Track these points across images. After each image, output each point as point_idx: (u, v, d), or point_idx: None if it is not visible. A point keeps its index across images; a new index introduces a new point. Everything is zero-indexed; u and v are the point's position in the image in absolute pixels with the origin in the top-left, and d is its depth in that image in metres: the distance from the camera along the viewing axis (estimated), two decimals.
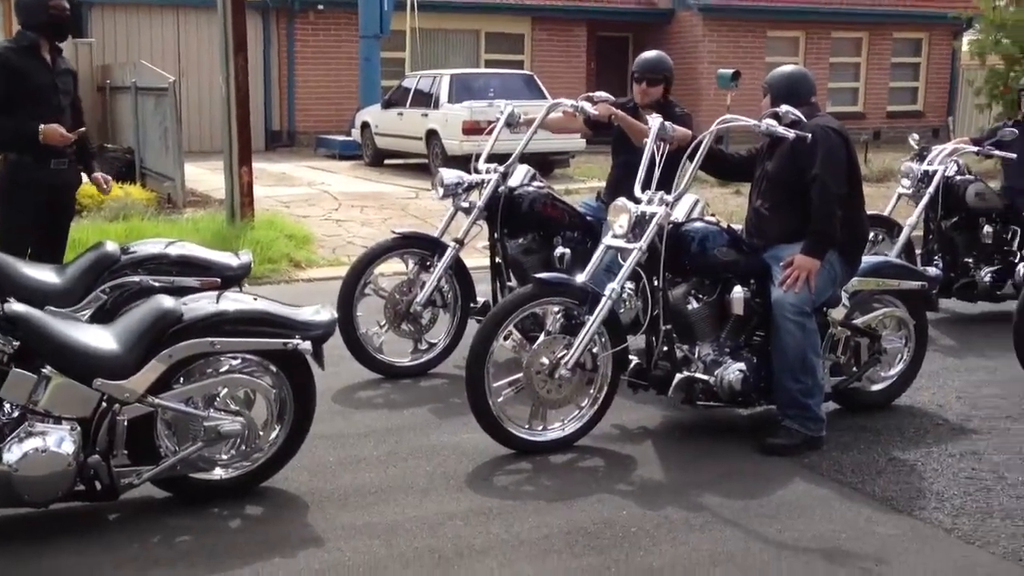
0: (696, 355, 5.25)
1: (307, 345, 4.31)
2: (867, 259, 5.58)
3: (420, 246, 6.36)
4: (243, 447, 4.37)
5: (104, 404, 4.03)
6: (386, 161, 18.64)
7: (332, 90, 22.01)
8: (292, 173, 16.82)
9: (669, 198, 5.11)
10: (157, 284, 4.99)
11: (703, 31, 24.24)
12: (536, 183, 6.40)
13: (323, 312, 4.50)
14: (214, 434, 4.25)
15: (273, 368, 4.38)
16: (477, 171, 6.38)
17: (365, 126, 18.92)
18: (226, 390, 4.32)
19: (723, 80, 16.84)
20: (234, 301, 4.39)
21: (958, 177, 7.84)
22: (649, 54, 6.44)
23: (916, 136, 8.64)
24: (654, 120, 5.41)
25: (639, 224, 5.07)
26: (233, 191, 10.29)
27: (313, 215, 12.28)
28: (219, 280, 5.10)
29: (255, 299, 4.48)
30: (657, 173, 5.21)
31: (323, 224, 11.73)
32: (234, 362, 4.34)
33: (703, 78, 23.22)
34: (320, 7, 21.84)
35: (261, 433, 4.40)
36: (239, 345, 4.26)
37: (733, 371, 5.17)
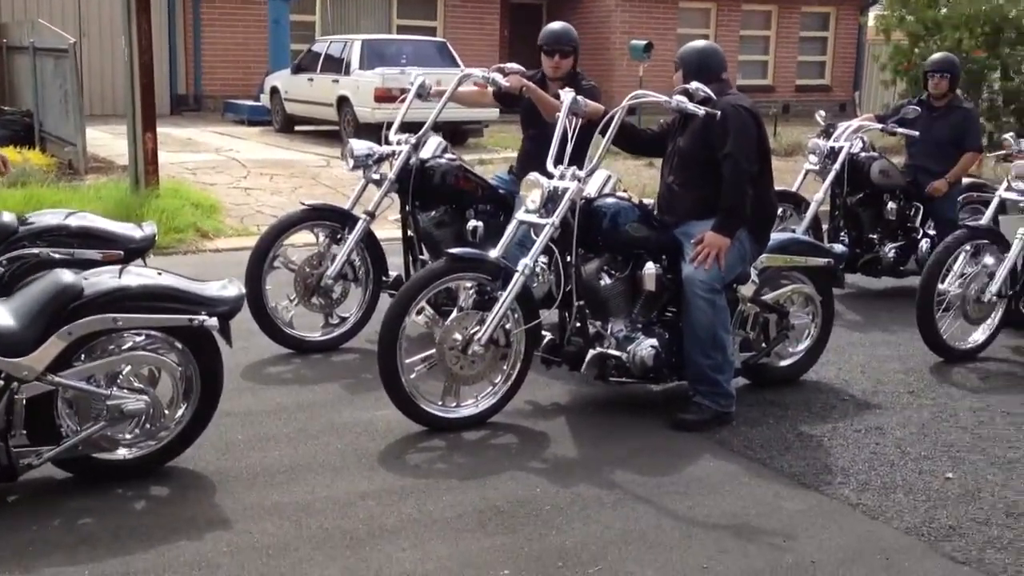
0: (609, 331, 5.26)
1: (213, 321, 4.21)
2: (775, 236, 5.64)
3: (330, 218, 6.25)
4: (148, 426, 4.27)
5: (1, 382, 3.89)
6: (296, 128, 18.34)
7: (240, 53, 21.58)
8: (199, 139, 16.46)
9: (581, 173, 5.10)
10: (57, 257, 4.84)
11: (616, 2, 24.28)
12: (448, 155, 6.33)
13: (230, 287, 4.39)
14: (117, 413, 4.13)
15: (179, 345, 4.27)
16: (388, 142, 6.29)
17: (274, 91, 18.58)
18: (129, 368, 4.20)
19: (636, 51, 16.86)
20: (137, 276, 4.26)
21: (863, 154, 7.96)
22: (555, 26, 6.38)
23: (823, 113, 8.75)
24: (566, 94, 5.38)
25: (551, 199, 5.05)
26: (137, 158, 10.02)
27: (221, 183, 12.03)
28: (122, 253, 4.96)
29: (159, 273, 4.35)
30: (569, 148, 5.19)
31: (231, 192, 11.50)
32: (138, 339, 4.22)
33: (616, 48, 23.30)
34: None
35: (166, 412, 4.30)
36: (143, 322, 4.14)
37: (645, 347, 5.19)
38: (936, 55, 8.22)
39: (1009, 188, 6.70)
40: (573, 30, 6.37)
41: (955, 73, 7.96)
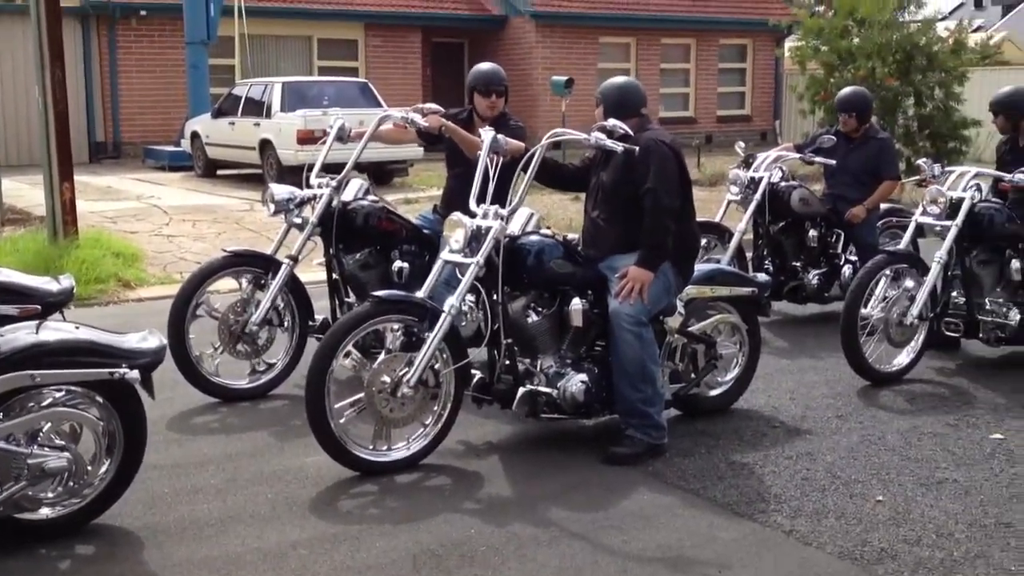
0: (538, 368, 5.26)
1: (135, 374, 4.13)
2: (700, 267, 5.70)
3: (253, 264, 6.18)
4: (71, 483, 4.16)
5: None
6: (219, 172, 18.20)
7: (159, 99, 21.36)
8: (118, 186, 16.23)
9: (504, 212, 5.11)
10: None
11: (536, 37, 24.51)
12: (370, 197, 6.31)
13: (151, 338, 4.31)
14: (38, 472, 4.02)
15: (100, 399, 4.18)
16: (309, 185, 6.24)
17: (195, 136, 18.42)
18: (50, 424, 4.10)
19: (557, 87, 17.01)
20: (55, 330, 4.17)
21: (783, 183, 8.08)
22: (486, 66, 6.42)
23: (742, 144, 8.87)
24: (487, 133, 5.39)
25: (475, 238, 5.05)
26: (54, 208, 9.82)
27: (142, 230, 11.86)
28: (39, 307, 4.82)
29: (77, 327, 4.26)
30: (492, 186, 5.20)
31: (153, 240, 11.34)
32: (58, 394, 4.12)
33: (538, 84, 23.48)
34: (143, 13, 21.18)
35: (90, 468, 4.20)
36: (62, 377, 4.05)
37: (575, 382, 5.19)
38: (843, 92, 8.33)
39: (924, 213, 6.83)
40: (501, 69, 6.41)
41: (862, 109, 8.07)
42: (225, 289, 6.45)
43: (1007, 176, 6.82)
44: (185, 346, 5.93)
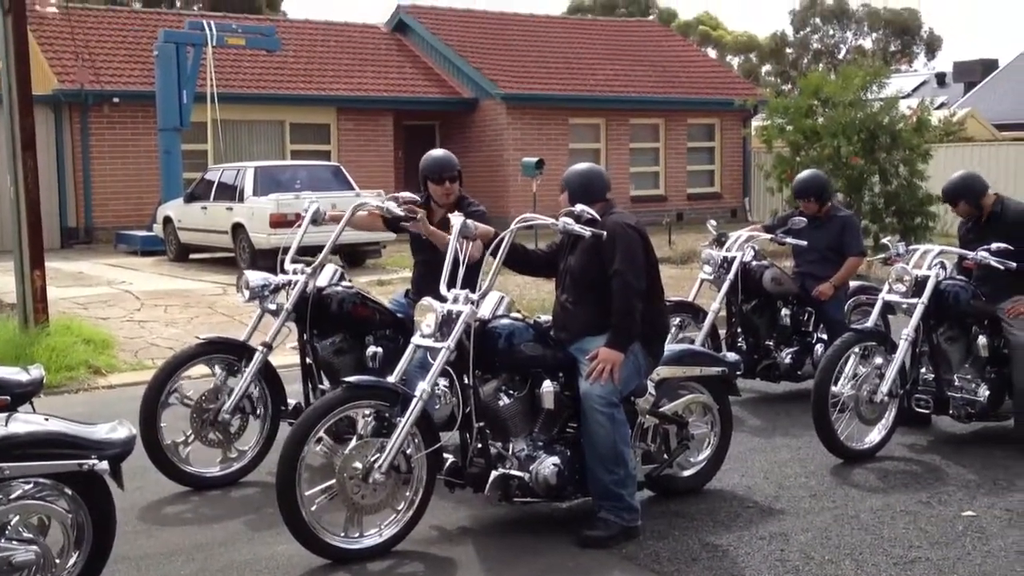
0: (510, 451, 5.26)
1: (104, 465, 4.09)
2: (670, 347, 5.74)
3: (226, 351, 6.18)
4: None
5: None
6: (191, 256, 18.20)
7: (131, 184, 21.44)
8: (90, 272, 16.19)
9: (474, 296, 5.15)
10: None
11: (507, 119, 24.83)
12: (344, 282, 6.34)
13: (120, 429, 4.28)
14: (5, 565, 3.96)
15: (68, 491, 4.14)
16: (284, 271, 6.27)
17: (167, 220, 18.45)
18: (18, 517, 4.05)
19: (527, 168, 17.21)
20: (25, 422, 4.14)
21: (755, 263, 8.19)
22: (437, 153, 6.48)
23: (714, 223, 8.99)
24: (456, 219, 5.44)
25: (446, 322, 5.08)
26: (25, 296, 9.78)
27: (113, 316, 11.81)
28: (8, 399, 4.80)
29: (47, 419, 4.23)
30: (461, 271, 5.24)
31: (124, 326, 11.29)
32: (26, 487, 4.08)
33: (509, 165, 23.74)
34: (115, 100, 21.34)
35: (58, 561, 4.14)
36: (31, 469, 4.01)
37: (547, 465, 5.19)
38: (799, 179, 8.50)
39: (891, 291, 6.92)
40: (453, 155, 6.49)
41: (819, 192, 8.24)
42: (198, 375, 6.42)
43: (970, 254, 6.93)
44: (156, 435, 5.90)
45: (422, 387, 4.95)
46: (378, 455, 4.88)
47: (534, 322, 5.41)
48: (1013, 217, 7.09)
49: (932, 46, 63.55)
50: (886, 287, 7.02)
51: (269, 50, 21.48)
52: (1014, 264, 6.75)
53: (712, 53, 53.25)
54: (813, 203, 8.23)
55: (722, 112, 27.33)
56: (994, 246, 6.81)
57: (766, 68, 63.22)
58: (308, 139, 24.01)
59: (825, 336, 8.19)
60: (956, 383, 6.98)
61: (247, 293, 6.19)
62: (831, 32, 63.69)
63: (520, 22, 29.23)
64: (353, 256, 16.71)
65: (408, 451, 5.00)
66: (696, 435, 5.85)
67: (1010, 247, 6.79)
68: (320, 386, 6.26)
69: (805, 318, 8.32)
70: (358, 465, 4.87)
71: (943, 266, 6.97)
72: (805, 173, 8.62)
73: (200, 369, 6.36)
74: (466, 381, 5.13)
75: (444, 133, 26.56)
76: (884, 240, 7.74)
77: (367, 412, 5.05)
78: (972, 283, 7.04)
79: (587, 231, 5.13)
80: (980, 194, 7.19)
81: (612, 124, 26.55)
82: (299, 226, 6.46)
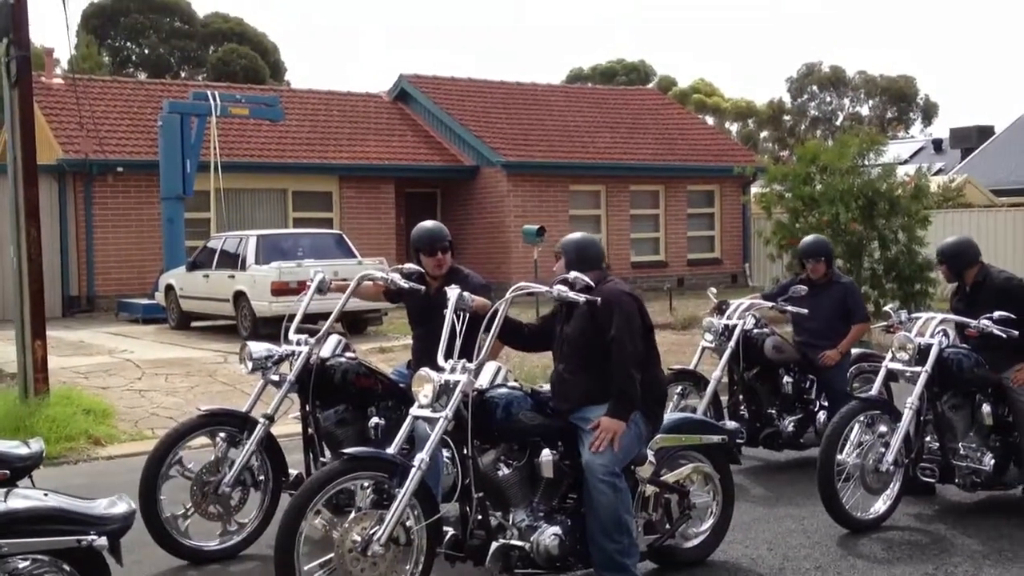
0: (511, 521, 5.22)
1: (103, 541, 4.06)
2: (669, 416, 5.73)
3: (228, 423, 6.16)
4: None
5: None
6: (192, 324, 18.22)
7: (134, 252, 21.52)
8: (91, 341, 16.18)
9: (472, 366, 5.14)
10: None
11: (508, 186, 24.97)
12: (348, 353, 6.33)
13: (119, 504, 4.25)
14: None
15: (67, 567, 4.10)
16: (288, 340, 6.26)
17: (169, 289, 18.49)
18: None
19: (528, 235, 17.26)
20: (24, 498, 4.12)
21: (756, 331, 8.20)
22: (428, 225, 6.51)
23: (714, 290, 9.01)
24: (452, 291, 5.45)
25: (444, 393, 5.07)
26: (26, 366, 9.78)
27: (114, 386, 11.79)
28: (8, 473, 4.78)
29: (46, 494, 4.21)
30: (459, 342, 5.24)
31: (125, 395, 11.26)
32: (24, 563, 4.04)
33: (510, 231, 23.84)
34: (120, 169, 21.50)
35: None
36: (30, 546, 3.99)
37: (549, 535, 5.15)
38: (806, 242, 8.58)
39: (894, 359, 6.92)
40: (443, 226, 6.51)
41: (829, 253, 8.37)
42: (199, 446, 6.39)
43: (972, 322, 6.93)
44: (156, 508, 5.86)
45: (420, 457, 4.93)
46: (377, 527, 4.84)
47: (532, 391, 5.40)
48: (997, 286, 7.14)
49: (928, 113, 64.19)
50: (889, 355, 7.01)
51: (273, 120, 21.70)
52: (1016, 332, 6.75)
53: (710, 120, 53.72)
54: (821, 265, 8.28)
55: (721, 178, 27.49)
56: (996, 314, 6.82)
57: (764, 134, 63.79)
58: (310, 207, 24.14)
59: (827, 403, 8.18)
60: (961, 451, 6.94)
61: (250, 364, 6.18)
62: (828, 99, 64.37)
63: (520, 91, 29.53)
64: (355, 323, 16.71)
65: (407, 523, 4.95)
66: (698, 504, 5.81)
67: (1012, 316, 6.80)
68: (321, 457, 6.22)
69: (807, 386, 8.31)
70: (357, 538, 4.82)
71: (946, 334, 6.97)
72: (811, 237, 8.69)
73: (201, 440, 6.33)
74: (465, 451, 5.11)
75: (445, 200, 26.71)
76: (886, 308, 7.75)
77: (366, 484, 5.02)
78: (974, 351, 7.03)
79: (581, 297, 5.16)
80: (965, 264, 7.24)
81: (612, 191, 26.69)
82: (303, 295, 6.47)
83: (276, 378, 6.20)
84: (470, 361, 5.17)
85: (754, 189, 24.20)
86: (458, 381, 5.07)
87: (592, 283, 5.24)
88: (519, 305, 5.53)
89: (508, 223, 24.44)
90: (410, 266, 6.32)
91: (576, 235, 5.75)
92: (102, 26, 50.31)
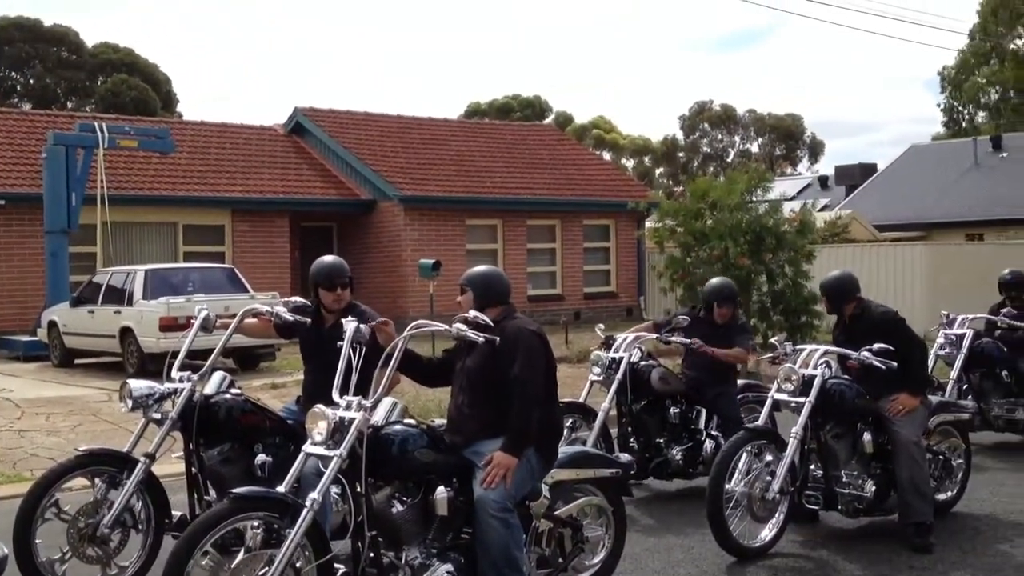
0: (403, 560, 5.15)
1: None
2: (563, 450, 5.73)
3: (107, 463, 5.98)
4: None
5: None
6: (76, 361, 17.72)
7: (15, 288, 20.87)
8: None
9: (367, 403, 5.08)
10: None
11: (404, 220, 24.89)
12: (233, 390, 6.21)
13: None
14: None
15: None
16: (171, 378, 6.11)
17: (52, 325, 17.96)
18: None
19: (424, 270, 17.25)
20: None
21: (642, 363, 8.29)
22: (328, 259, 6.46)
23: (601, 326, 9.13)
24: (349, 324, 5.40)
25: (338, 430, 4.99)
26: None
27: None
28: None
29: None
30: (354, 378, 5.18)
31: (3, 436, 10.87)
32: None
33: (407, 266, 23.74)
34: (2, 203, 20.85)
35: None
36: None
37: (441, 573, 5.09)
38: (713, 284, 8.70)
39: (780, 390, 7.06)
40: (344, 262, 6.47)
41: (735, 297, 8.57)
42: (79, 487, 6.19)
43: (853, 354, 7.10)
44: (31, 552, 5.65)
45: (312, 497, 4.83)
46: (266, 569, 4.74)
47: (427, 427, 5.35)
48: (874, 319, 7.36)
49: (815, 150, 66.15)
50: (775, 386, 7.15)
51: (163, 152, 21.34)
52: (895, 363, 6.94)
53: (608, 155, 54.48)
54: (728, 309, 8.42)
55: (617, 213, 27.77)
56: (876, 346, 7.00)
57: (659, 170, 64.96)
58: (202, 241, 23.69)
59: (716, 433, 8.29)
60: (844, 479, 7.09)
61: (130, 403, 6.02)
62: (719, 137, 65.89)
63: (417, 125, 29.50)
64: (246, 359, 16.46)
65: (298, 563, 4.86)
66: (591, 538, 5.81)
67: (891, 348, 6.98)
68: (206, 497, 6.06)
69: (694, 415, 8.41)
70: None
71: (828, 365, 7.13)
72: (716, 280, 8.82)
73: (81, 482, 6.13)
74: (358, 489, 5.03)
75: (342, 234, 26.51)
76: (772, 340, 7.92)
77: (255, 524, 4.90)
78: (855, 382, 7.20)
79: (480, 337, 5.14)
80: (845, 298, 7.45)
81: (509, 225, 26.79)
82: (189, 332, 6.34)
83: (158, 416, 6.03)
84: (365, 397, 5.11)
85: (648, 224, 24.58)
86: (353, 419, 4.99)
87: (492, 322, 5.23)
88: (415, 341, 5.48)
89: (405, 257, 24.34)
90: (296, 299, 6.25)
91: (482, 268, 5.73)
92: None
